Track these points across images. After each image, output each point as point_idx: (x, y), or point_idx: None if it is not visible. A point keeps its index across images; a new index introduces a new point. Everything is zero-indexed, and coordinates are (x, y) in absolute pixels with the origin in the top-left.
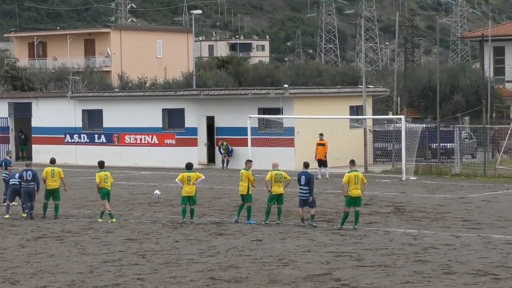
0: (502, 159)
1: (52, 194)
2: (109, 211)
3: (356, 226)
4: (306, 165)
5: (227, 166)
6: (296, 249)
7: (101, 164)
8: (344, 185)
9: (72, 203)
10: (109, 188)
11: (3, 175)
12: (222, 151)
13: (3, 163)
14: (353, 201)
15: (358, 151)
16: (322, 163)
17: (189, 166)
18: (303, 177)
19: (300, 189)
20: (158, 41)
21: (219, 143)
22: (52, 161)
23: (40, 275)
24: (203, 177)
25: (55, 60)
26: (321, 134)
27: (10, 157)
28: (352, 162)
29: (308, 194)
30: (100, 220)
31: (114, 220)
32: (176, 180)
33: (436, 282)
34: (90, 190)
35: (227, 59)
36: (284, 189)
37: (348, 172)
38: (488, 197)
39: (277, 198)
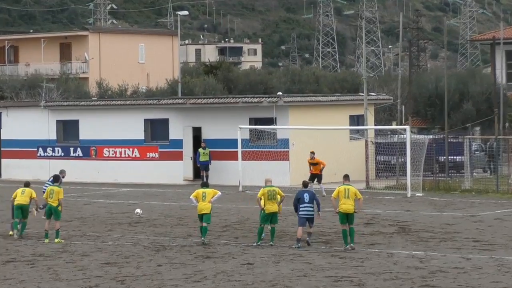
0: None
1: (21, 210)
2: (56, 230)
3: (352, 244)
4: (305, 184)
5: (207, 181)
6: (290, 274)
7: (26, 184)
8: (333, 199)
9: (44, 224)
10: (54, 205)
11: None
12: (201, 160)
13: None
14: (345, 217)
15: (358, 165)
16: (316, 176)
17: (205, 184)
18: (306, 195)
19: (303, 207)
20: (141, 45)
21: (202, 145)
22: (26, 184)
23: None
24: (220, 193)
25: (27, 66)
26: (312, 153)
27: None
28: (346, 177)
29: (312, 211)
30: (46, 240)
31: (58, 240)
32: (191, 197)
33: None
34: (65, 209)
35: (216, 65)
36: (278, 207)
37: (339, 186)
38: (501, 215)
39: (271, 217)
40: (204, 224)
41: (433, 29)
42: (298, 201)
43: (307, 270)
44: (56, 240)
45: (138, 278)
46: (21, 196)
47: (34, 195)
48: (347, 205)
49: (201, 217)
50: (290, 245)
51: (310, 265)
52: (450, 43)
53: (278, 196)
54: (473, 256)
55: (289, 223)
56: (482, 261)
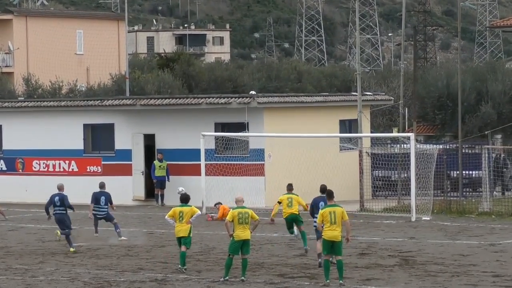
0: None
1: None
2: None
3: (341, 281)
4: (322, 189)
5: (162, 201)
6: None
7: None
8: (318, 226)
9: None
10: None
11: None
12: (157, 174)
13: None
14: (330, 245)
15: (351, 181)
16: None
17: (184, 199)
18: (322, 203)
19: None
20: (78, 31)
21: (157, 157)
22: None
23: None
24: (199, 212)
25: None
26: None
27: None
28: (330, 195)
29: None
30: None
31: None
32: (166, 217)
33: None
34: None
35: (173, 56)
36: (251, 233)
37: (322, 208)
38: None
39: (242, 246)
40: (183, 249)
41: (444, 12)
42: (314, 209)
43: None
44: None
45: None
46: None
47: None
48: (334, 232)
49: (179, 240)
50: (266, 280)
51: None
52: (465, 30)
53: (252, 220)
54: None
55: (264, 253)
56: None
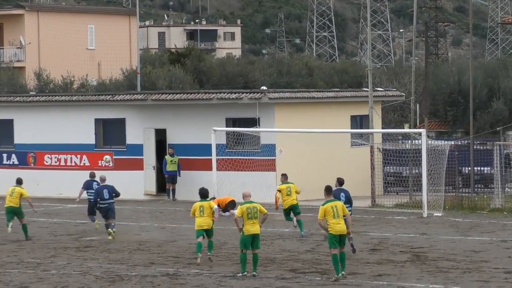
0: None
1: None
2: None
3: (343, 272)
4: (341, 182)
5: (173, 196)
6: None
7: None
8: (321, 222)
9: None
10: None
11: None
12: (168, 169)
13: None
14: (338, 239)
15: (362, 177)
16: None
17: (204, 194)
18: (342, 194)
19: None
20: (90, 26)
21: (169, 152)
22: (19, 181)
23: None
24: (216, 206)
25: None
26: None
27: None
28: (328, 190)
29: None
30: None
31: None
32: (190, 215)
33: None
34: None
35: (184, 52)
36: (260, 227)
37: (322, 204)
38: None
39: (252, 240)
40: (201, 240)
41: (455, 9)
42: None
43: None
44: None
45: None
46: (11, 198)
47: (25, 194)
48: (341, 225)
49: (201, 232)
50: (278, 275)
51: None
52: (476, 27)
53: (260, 214)
54: None
55: (275, 248)
56: None
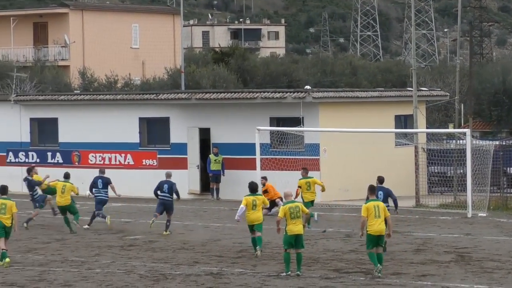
0: None
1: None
2: (2, 249)
3: (379, 270)
4: (380, 180)
5: (217, 195)
6: None
7: (2, 190)
8: (364, 220)
9: (16, 246)
10: (6, 224)
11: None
12: (212, 168)
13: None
14: (376, 240)
15: (406, 177)
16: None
17: (254, 188)
18: (380, 192)
19: None
20: (134, 25)
21: (213, 151)
22: (66, 176)
23: None
24: (267, 203)
25: None
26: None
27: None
28: (372, 190)
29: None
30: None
31: (7, 260)
32: (241, 206)
33: None
34: (42, 229)
35: (228, 51)
36: (304, 227)
37: (366, 203)
38: None
39: (295, 240)
40: (258, 234)
41: (500, 8)
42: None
43: None
44: (2, 262)
45: None
46: (61, 197)
47: (75, 190)
48: (381, 226)
49: (252, 227)
50: (322, 275)
51: None
52: None
53: (302, 213)
54: None
55: (319, 248)
56: None
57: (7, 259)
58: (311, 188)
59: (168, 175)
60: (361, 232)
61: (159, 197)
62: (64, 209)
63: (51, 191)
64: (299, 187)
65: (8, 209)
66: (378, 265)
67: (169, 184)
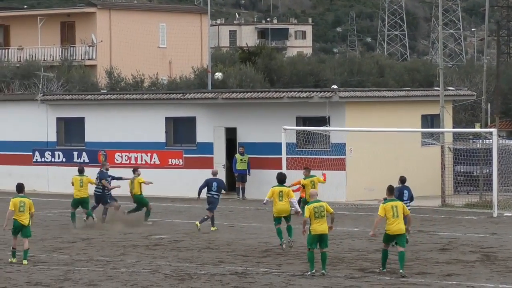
0: None
1: (81, 203)
2: (25, 249)
3: (402, 271)
4: (403, 180)
5: (243, 195)
6: None
7: (19, 188)
8: (379, 219)
9: (42, 245)
10: (23, 223)
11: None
12: (238, 168)
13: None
14: (393, 239)
15: (432, 177)
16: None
17: (282, 180)
18: (405, 191)
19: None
20: (161, 25)
21: (239, 150)
22: (81, 170)
23: None
24: (293, 195)
25: (21, 50)
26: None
27: (107, 169)
28: (390, 190)
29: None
30: (13, 260)
31: (25, 262)
32: (266, 198)
33: None
34: (67, 229)
35: (255, 50)
36: (331, 228)
37: (383, 203)
38: None
39: (320, 239)
40: (289, 223)
41: None
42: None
43: None
44: (24, 262)
45: None
46: (79, 190)
47: (92, 181)
48: (399, 225)
49: (280, 220)
50: (347, 274)
51: None
52: None
53: (327, 213)
54: None
55: (344, 247)
56: None
57: (14, 259)
58: (315, 186)
59: (215, 173)
60: (372, 232)
61: (207, 194)
62: (79, 202)
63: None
64: (303, 186)
65: (27, 207)
66: (384, 269)
67: (218, 182)
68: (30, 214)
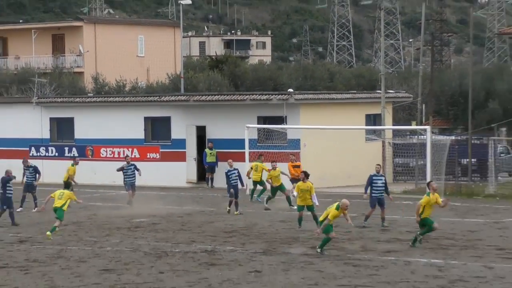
0: None
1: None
2: (53, 226)
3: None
4: (378, 171)
5: (212, 184)
6: (301, 282)
7: (66, 186)
8: (420, 207)
9: (38, 228)
10: (57, 206)
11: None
12: (208, 161)
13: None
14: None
15: (374, 167)
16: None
17: (306, 176)
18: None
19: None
20: (140, 37)
21: (208, 145)
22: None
23: None
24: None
25: (17, 59)
26: (293, 155)
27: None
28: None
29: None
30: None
31: (48, 233)
32: (294, 191)
33: None
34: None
35: (222, 59)
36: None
37: (427, 195)
38: None
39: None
40: (314, 214)
41: (458, 21)
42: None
43: (318, 278)
44: (48, 233)
45: (138, 286)
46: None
47: (74, 197)
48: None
49: (302, 208)
50: (302, 252)
51: (321, 273)
52: (476, 37)
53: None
54: (495, 265)
55: (301, 226)
56: (505, 271)
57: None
58: (258, 170)
59: (231, 164)
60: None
61: (231, 181)
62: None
63: None
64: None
65: (65, 196)
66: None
67: (237, 172)
68: (68, 202)
